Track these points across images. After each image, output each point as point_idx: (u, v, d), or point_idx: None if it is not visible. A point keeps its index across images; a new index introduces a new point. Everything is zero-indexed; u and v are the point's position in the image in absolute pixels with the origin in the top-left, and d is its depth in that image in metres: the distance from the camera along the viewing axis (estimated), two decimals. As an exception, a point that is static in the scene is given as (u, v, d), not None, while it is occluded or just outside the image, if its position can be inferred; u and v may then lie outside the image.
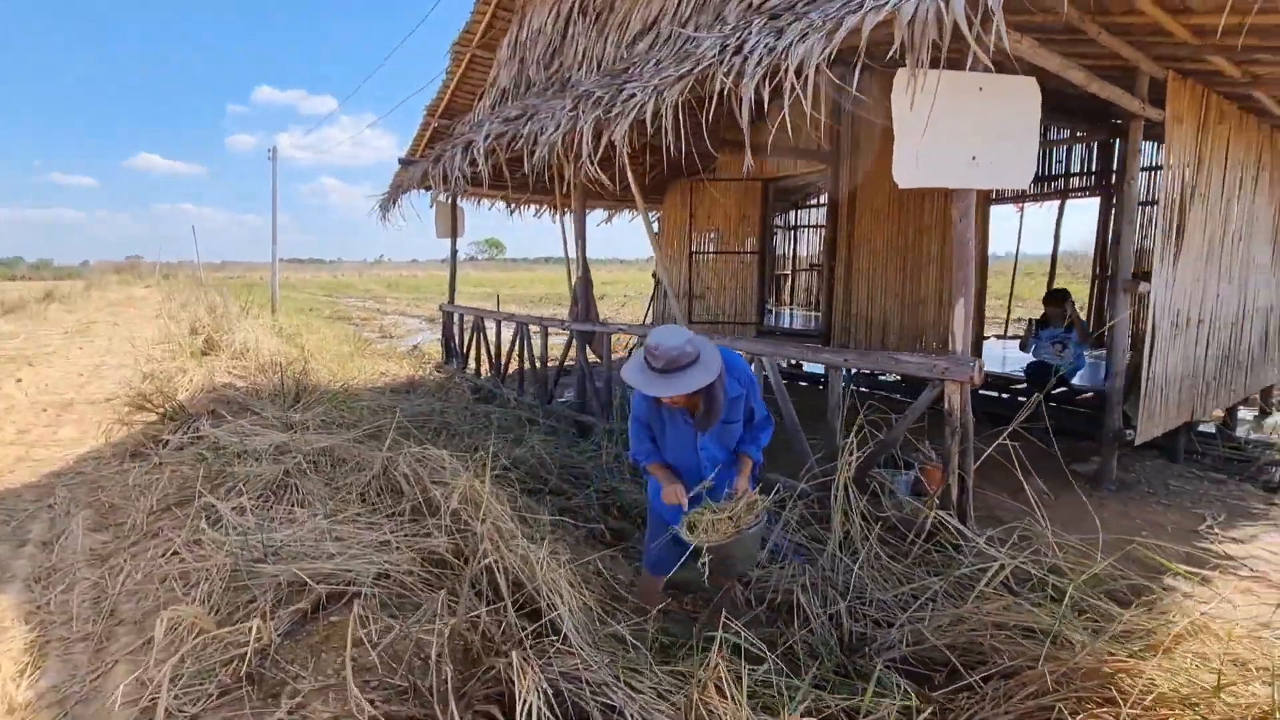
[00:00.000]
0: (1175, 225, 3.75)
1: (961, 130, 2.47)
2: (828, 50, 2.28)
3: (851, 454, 2.90)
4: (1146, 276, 3.67)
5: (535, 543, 2.81)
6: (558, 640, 2.17)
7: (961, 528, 2.62)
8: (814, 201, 11.39)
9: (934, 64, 2.43)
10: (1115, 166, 7.31)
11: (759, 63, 2.37)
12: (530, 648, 2.13)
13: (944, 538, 2.72)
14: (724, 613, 2.30)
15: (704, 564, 2.08)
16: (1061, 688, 1.84)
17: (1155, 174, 6.13)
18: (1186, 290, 4.01)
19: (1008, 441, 2.89)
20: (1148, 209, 6.22)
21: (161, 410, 5.05)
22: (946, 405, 2.64)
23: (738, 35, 2.59)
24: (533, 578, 2.48)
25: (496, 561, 2.56)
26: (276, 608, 2.42)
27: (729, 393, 2.15)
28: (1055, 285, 9.02)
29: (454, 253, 7.51)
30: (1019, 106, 2.53)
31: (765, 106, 2.59)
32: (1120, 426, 3.74)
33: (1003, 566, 2.50)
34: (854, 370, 5.20)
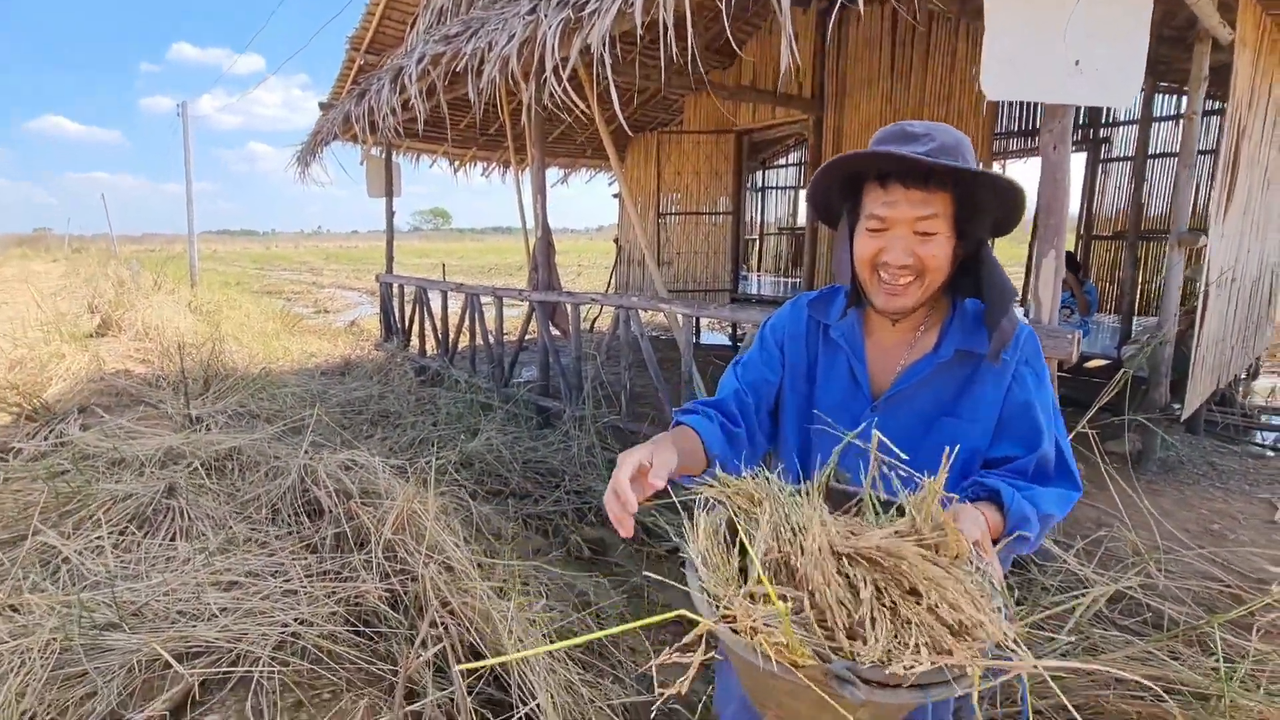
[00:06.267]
0: (1230, 172, 3.26)
1: (1063, 28, 1.84)
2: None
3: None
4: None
5: (500, 582, 2.14)
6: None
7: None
8: (782, 162, 10.78)
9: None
10: (1104, 118, 6.93)
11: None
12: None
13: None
14: None
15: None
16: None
17: (1157, 125, 5.72)
18: (1232, 246, 3.56)
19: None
20: (1157, 162, 5.82)
21: (19, 408, 4.08)
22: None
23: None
24: (496, 639, 1.81)
25: (442, 619, 1.88)
26: (124, 707, 1.68)
27: (1009, 349, 0.96)
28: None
29: (390, 215, 6.58)
30: (1128, 1, 1.91)
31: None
32: (1168, 400, 3.29)
33: (1103, 591, 1.97)
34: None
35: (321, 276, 25.30)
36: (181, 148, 14.36)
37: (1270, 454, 4.00)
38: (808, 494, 0.82)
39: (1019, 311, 0.97)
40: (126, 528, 2.61)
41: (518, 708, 1.56)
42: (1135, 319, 5.79)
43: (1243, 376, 6.18)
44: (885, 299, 0.96)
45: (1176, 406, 3.27)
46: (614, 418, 3.88)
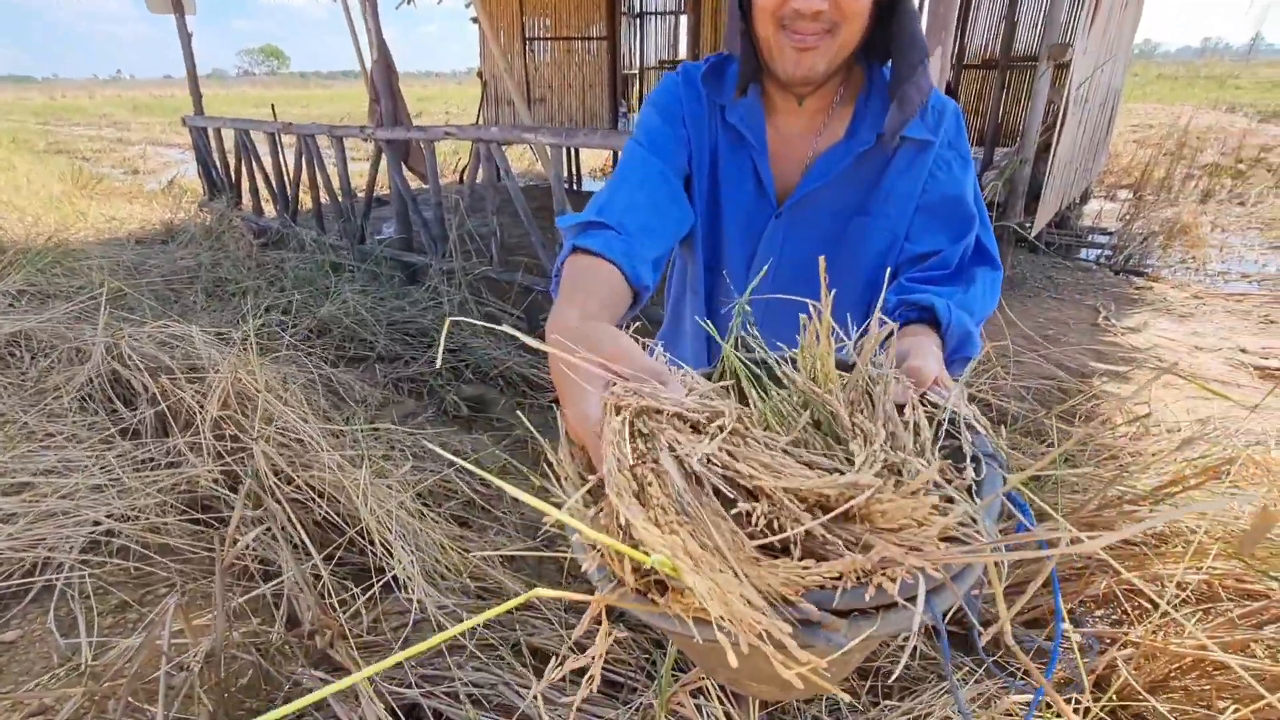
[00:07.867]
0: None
1: None
2: None
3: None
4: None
5: (362, 451, 1.93)
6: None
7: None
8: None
9: None
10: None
11: None
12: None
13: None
14: None
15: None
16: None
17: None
18: (1090, 63, 3.61)
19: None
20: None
21: None
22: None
23: None
24: (352, 510, 1.64)
25: (289, 494, 1.68)
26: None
27: (920, 119, 0.80)
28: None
29: (186, 38, 5.30)
30: None
31: None
32: (1022, 218, 3.46)
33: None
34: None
35: (129, 131, 21.15)
36: None
37: (1094, 268, 4.43)
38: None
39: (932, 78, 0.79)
40: None
41: (378, 574, 1.44)
42: (996, 149, 6.00)
43: (1077, 200, 6.73)
44: (793, 60, 0.73)
45: (1027, 224, 3.45)
46: (486, 269, 3.57)
